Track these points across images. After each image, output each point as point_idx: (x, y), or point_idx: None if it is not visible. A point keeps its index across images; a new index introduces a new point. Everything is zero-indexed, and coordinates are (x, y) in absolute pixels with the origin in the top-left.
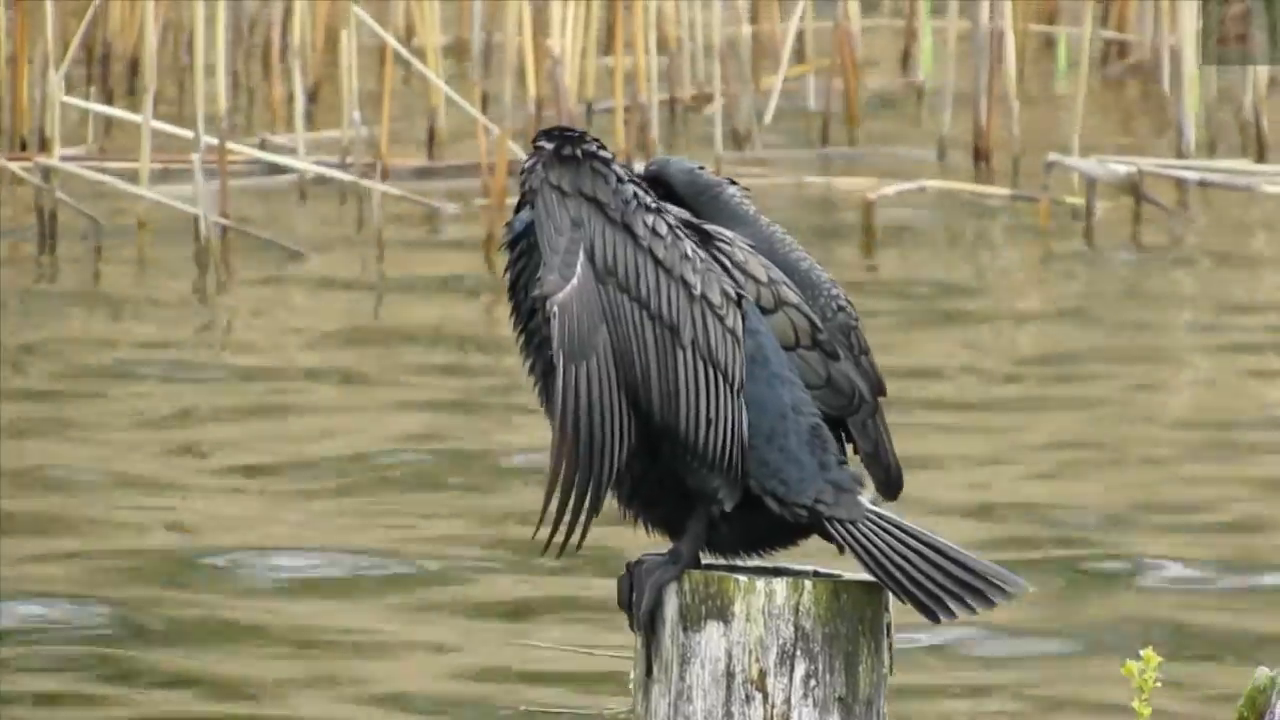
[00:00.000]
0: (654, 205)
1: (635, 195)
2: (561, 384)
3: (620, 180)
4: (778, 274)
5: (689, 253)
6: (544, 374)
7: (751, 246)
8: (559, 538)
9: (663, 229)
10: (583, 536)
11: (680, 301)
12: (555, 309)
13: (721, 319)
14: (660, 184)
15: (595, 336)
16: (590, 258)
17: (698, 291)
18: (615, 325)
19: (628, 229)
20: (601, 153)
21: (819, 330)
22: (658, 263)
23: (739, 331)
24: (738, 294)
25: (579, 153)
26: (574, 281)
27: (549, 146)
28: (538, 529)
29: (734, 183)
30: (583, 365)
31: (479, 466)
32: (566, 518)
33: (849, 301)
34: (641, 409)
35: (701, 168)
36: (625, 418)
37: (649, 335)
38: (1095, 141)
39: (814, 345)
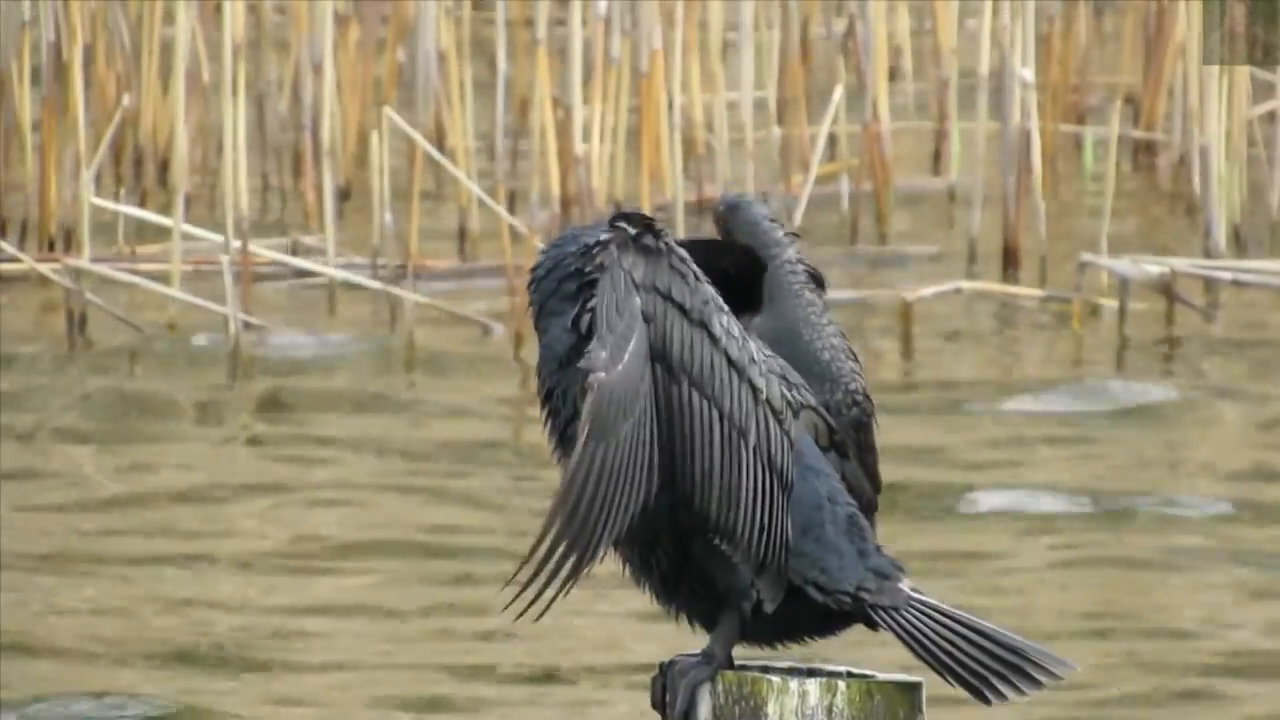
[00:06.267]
0: (725, 308)
1: (712, 297)
2: (578, 458)
3: (697, 279)
4: (795, 376)
5: (756, 356)
6: (562, 438)
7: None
8: (530, 597)
9: (736, 331)
10: (547, 605)
11: (749, 404)
12: (595, 385)
13: (781, 423)
14: (721, 224)
15: (623, 423)
16: (654, 353)
17: (763, 396)
18: (677, 421)
19: (705, 328)
20: (679, 249)
21: (835, 432)
22: (731, 364)
23: (792, 436)
24: (798, 402)
25: (662, 245)
26: (620, 367)
27: (630, 231)
28: (507, 583)
29: (796, 236)
30: (603, 446)
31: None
32: (543, 583)
33: (866, 396)
34: (692, 506)
35: (772, 219)
36: (632, 508)
37: (716, 435)
38: (1123, 241)
39: (830, 446)
